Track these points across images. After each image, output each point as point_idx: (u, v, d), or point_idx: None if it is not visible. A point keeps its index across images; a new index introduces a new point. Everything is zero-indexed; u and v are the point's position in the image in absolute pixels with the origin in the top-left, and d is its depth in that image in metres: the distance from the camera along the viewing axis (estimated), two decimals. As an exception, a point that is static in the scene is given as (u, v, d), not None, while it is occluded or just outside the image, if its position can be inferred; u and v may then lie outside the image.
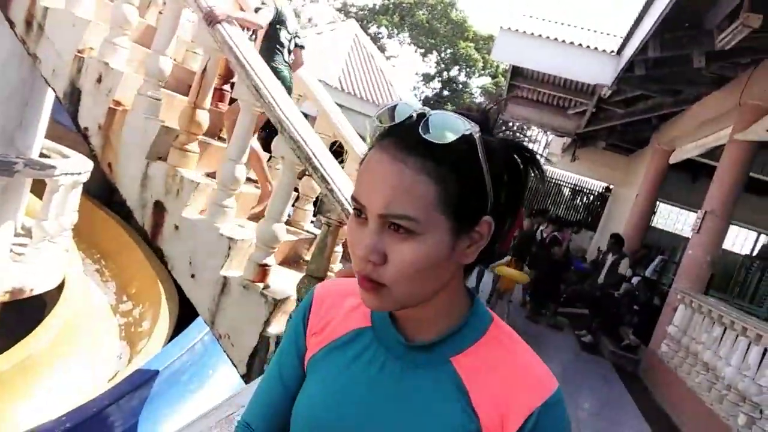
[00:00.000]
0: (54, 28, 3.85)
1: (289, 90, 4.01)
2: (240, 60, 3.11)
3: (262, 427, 0.86)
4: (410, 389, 0.75)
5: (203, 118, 3.47)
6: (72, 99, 3.71)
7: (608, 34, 10.05)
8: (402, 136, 0.68)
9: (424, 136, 0.65)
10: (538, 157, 0.75)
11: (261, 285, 3.03)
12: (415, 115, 0.68)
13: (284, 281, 3.38)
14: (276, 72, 3.69)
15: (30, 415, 4.20)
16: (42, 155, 5.15)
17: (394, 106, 0.70)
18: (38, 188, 5.04)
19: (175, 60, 4.03)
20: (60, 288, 5.40)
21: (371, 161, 0.69)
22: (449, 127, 0.66)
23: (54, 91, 3.92)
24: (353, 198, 0.71)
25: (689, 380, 5.74)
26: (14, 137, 4.62)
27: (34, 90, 4.62)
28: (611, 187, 16.76)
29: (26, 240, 4.96)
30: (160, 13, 5.03)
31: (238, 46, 3.17)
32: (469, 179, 0.68)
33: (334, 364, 0.80)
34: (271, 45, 4.04)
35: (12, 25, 4.03)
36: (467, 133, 0.66)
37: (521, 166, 0.73)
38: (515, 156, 0.72)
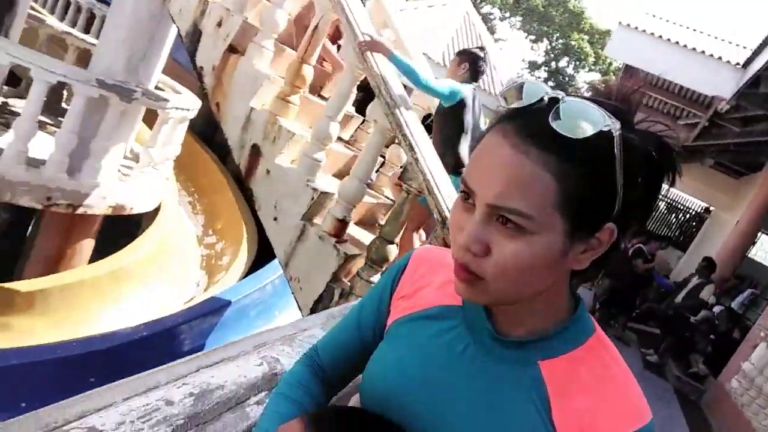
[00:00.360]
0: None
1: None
2: (350, 21, 3.21)
3: (328, 363, 0.86)
4: (488, 380, 0.70)
5: (308, 73, 3.63)
6: (193, 38, 3.99)
7: (735, 44, 9.29)
8: (527, 120, 0.60)
9: (553, 125, 0.57)
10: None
11: (335, 239, 3.19)
12: (546, 98, 0.61)
13: (357, 239, 3.53)
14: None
15: (113, 320, 4.69)
16: (157, 88, 5.58)
17: (523, 84, 0.63)
18: (149, 118, 5.47)
19: (290, 15, 4.20)
20: (156, 211, 5.89)
21: (488, 144, 0.63)
22: (586, 118, 0.58)
23: (178, 29, 4.22)
24: (463, 180, 0.65)
25: (755, 421, 5.41)
26: (138, 68, 5.03)
27: (160, 26, 4.98)
28: (711, 208, 15.66)
29: (133, 163, 5.42)
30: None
31: (351, 9, 3.27)
32: (598, 181, 0.59)
33: (416, 335, 0.77)
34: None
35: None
36: (606, 129, 0.58)
37: (661, 171, 0.63)
38: (656, 158, 0.62)
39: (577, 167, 0.58)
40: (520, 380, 0.68)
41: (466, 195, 0.64)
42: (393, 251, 3.01)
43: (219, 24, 3.88)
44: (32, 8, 6.89)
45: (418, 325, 0.77)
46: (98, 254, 5.34)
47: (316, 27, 3.60)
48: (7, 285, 4.50)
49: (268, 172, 3.49)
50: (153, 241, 5.49)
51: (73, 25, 8.37)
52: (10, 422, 0.69)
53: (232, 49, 3.83)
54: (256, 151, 3.56)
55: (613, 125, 0.58)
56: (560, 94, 0.60)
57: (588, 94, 0.65)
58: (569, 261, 0.64)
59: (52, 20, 7.55)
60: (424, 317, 0.77)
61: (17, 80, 5.85)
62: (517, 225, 0.59)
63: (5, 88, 5.06)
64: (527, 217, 0.59)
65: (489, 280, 0.62)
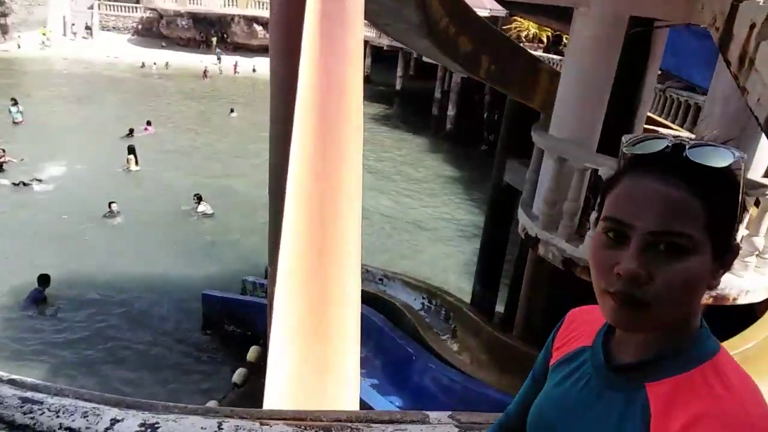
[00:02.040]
0: (764, 61, 4.18)
1: None
2: None
3: (513, 411, 1.03)
4: (604, 409, 0.77)
5: None
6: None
7: None
8: (664, 162, 0.71)
9: (699, 160, 0.69)
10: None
11: None
12: (670, 145, 0.71)
13: None
14: None
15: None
16: None
17: (648, 139, 0.74)
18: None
19: None
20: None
21: (635, 184, 0.72)
22: (716, 153, 0.69)
23: (756, 118, 4.26)
24: (609, 218, 0.74)
25: None
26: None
27: (751, 119, 5.04)
28: None
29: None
30: None
31: None
32: (730, 204, 0.70)
33: (558, 376, 0.89)
34: None
35: (728, 64, 4.65)
36: (738, 158, 0.69)
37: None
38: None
39: (715, 192, 0.69)
40: (630, 403, 0.74)
41: (613, 232, 0.72)
42: None
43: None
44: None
45: (561, 368, 0.89)
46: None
47: None
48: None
49: None
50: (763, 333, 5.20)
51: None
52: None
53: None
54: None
55: (742, 155, 0.69)
56: (683, 139, 0.72)
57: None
58: (711, 280, 0.71)
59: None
60: (565, 360, 0.90)
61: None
62: (682, 248, 0.68)
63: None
64: (688, 237, 0.67)
65: (655, 304, 0.69)
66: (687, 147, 0.70)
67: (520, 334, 7.41)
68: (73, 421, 1.39)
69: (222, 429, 1.41)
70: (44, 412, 1.40)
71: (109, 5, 39.48)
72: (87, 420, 1.40)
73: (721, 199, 0.69)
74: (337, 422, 1.48)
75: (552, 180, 6.50)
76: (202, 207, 14.02)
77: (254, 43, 37.32)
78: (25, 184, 14.74)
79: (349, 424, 1.46)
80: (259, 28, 37.30)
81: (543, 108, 8.67)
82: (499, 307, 9.62)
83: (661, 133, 0.80)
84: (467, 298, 9.98)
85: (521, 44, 20.31)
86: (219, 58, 36.34)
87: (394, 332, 7.85)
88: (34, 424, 1.38)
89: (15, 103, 20.45)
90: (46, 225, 12.61)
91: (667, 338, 0.74)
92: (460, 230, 15.03)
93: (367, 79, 34.99)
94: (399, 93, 33.74)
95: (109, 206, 13.20)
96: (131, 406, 1.48)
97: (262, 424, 1.44)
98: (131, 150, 16.94)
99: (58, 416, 1.40)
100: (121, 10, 39.42)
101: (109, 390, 7.47)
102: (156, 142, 19.94)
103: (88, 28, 38.16)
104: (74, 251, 11.55)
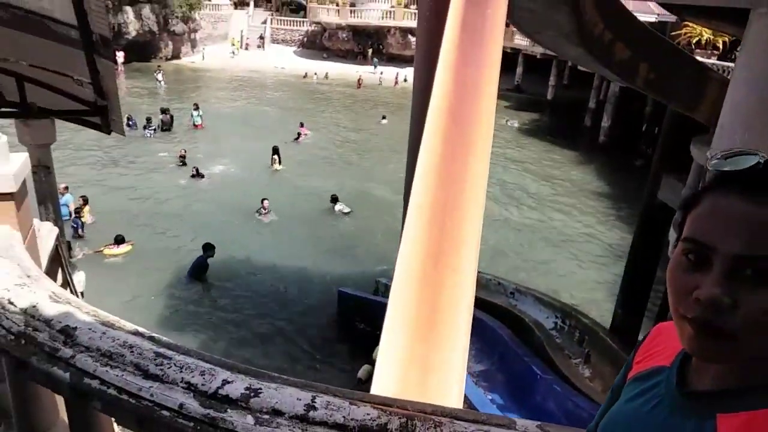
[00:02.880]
0: None
1: None
2: None
3: (593, 427, 0.96)
4: None
5: None
6: None
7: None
8: (753, 179, 0.66)
9: None
10: None
11: None
12: (762, 161, 0.67)
13: None
14: None
15: None
16: None
17: (737, 154, 0.68)
18: None
19: None
20: None
21: (719, 203, 0.67)
22: None
23: None
24: (690, 239, 0.69)
25: None
26: None
27: None
28: None
29: None
30: None
31: None
32: None
33: (632, 391, 0.85)
34: None
35: None
36: None
37: None
38: None
39: None
40: None
41: (695, 254, 0.68)
42: None
43: None
44: None
45: (635, 385, 0.86)
46: None
47: None
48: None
49: None
50: None
51: None
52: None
53: None
54: None
55: None
56: None
57: None
58: None
59: None
60: (639, 377, 0.86)
61: None
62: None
63: None
64: None
65: (742, 335, 0.63)
66: None
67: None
68: (193, 377, 1.60)
69: (315, 402, 1.52)
70: (171, 366, 1.63)
71: (280, 20, 43.34)
72: (203, 377, 1.60)
73: None
74: (421, 413, 1.51)
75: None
76: (339, 206, 14.90)
77: (407, 53, 38.47)
78: (196, 175, 16.74)
79: (433, 417, 1.49)
80: (413, 39, 38.25)
81: (709, 121, 7.85)
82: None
83: (753, 149, 0.70)
84: (606, 323, 9.33)
85: (692, 51, 18.48)
86: (375, 67, 38.12)
87: (519, 348, 7.60)
88: (162, 375, 1.61)
89: (196, 108, 23.31)
90: (209, 212, 14.31)
91: (751, 369, 0.68)
92: (605, 249, 14.06)
93: (517, 89, 34.83)
94: (550, 103, 32.54)
95: (262, 202, 14.46)
96: (242, 371, 1.65)
97: (351, 403, 1.52)
98: (275, 150, 18.47)
99: (181, 371, 1.62)
100: (290, 24, 43.04)
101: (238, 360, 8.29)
102: (310, 144, 21.54)
103: (261, 37, 42.21)
104: (228, 237, 12.87)
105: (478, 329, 8.72)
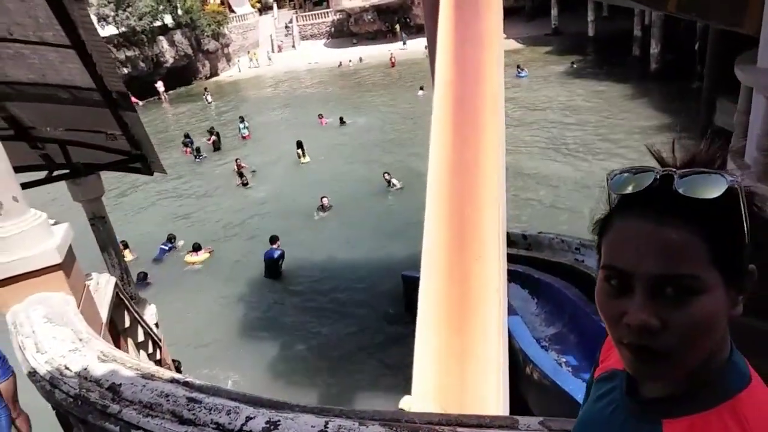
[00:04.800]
0: None
1: None
2: None
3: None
4: None
5: None
6: None
7: None
8: (656, 198, 0.66)
9: (690, 194, 0.63)
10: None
11: None
12: (659, 176, 0.66)
13: None
14: None
15: None
16: None
17: (634, 173, 0.68)
18: None
19: None
20: None
21: (627, 228, 0.68)
22: (709, 182, 0.63)
23: None
24: (609, 267, 0.69)
25: None
26: None
27: None
28: None
29: None
30: None
31: None
32: (733, 230, 0.64)
33: (598, 391, 0.87)
34: None
35: None
36: (732, 185, 0.63)
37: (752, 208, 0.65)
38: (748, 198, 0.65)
39: (715, 223, 0.64)
40: None
41: (616, 281, 0.68)
42: None
43: None
44: None
45: (601, 385, 0.87)
46: None
47: None
48: None
49: None
50: None
51: None
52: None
53: None
54: None
55: (735, 179, 0.64)
56: (670, 170, 0.66)
57: (678, 160, 0.69)
58: (731, 310, 0.67)
59: None
60: (600, 379, 0.88)
61: None
62: (690, 289, 0.63)
63: None
64: (695, 278, 0.63)
65: (673, 353, 0.65)
66: (676, 178, 0.65)
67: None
68: (220, 417, 1.76)
69: (328, 427, 1.64)
70: (201, 410, 1.80)
71: (305, 16, 43.54)
72: (229, 417, 1.75)
73: (722, 229, 0.64)
74: (428, 425, 1.59)
75: (765, 122, 5.49)
76: (392, 182, 15.25)
77: (436, 20, 37.62)
78: (245, 184, 17.62)
79: (437, 428, 1.57)
80: (439, 4, 37.46)
81: (759, 32, 7.27)
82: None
83: (647, 166, 0.69)
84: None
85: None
86: (405, 42, 37.62)
87: (588, 306, 7.43)
88: (195, 419, 1.78)
89: (242, 120, 24.02)
90: (270, 217, 14.97)
91: (693, 373, 0.69)
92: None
93: (555, 31, 33.25)
94: (592, 39, 30.93)
95: (321, 200, 14.82)
96: (264, 404, 1.80)
97: (360, 424, 1.63)
98: (299, 144, 19.09)
99: (210, 413, 1.79)
100: (315, 18, 43.17)
101: (312, 359, 9.05)
102: (352, 130, 21.89)
103: (288, 34, 42.53)
104: (292, 238, 13.36)
105: (546, 292, 8.62)
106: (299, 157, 19.11)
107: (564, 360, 6.70)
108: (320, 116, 23.54)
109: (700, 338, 0.64)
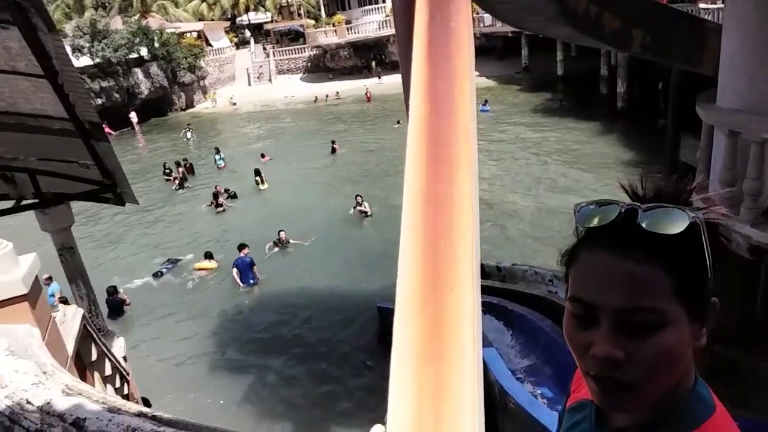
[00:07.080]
0: None
1: None
2: None
3: None
4: None
5: None
6: None
7: None
8: (620, 232, 0.67)
9: (653, 229, 0.65)
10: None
11: None
12: (623, 210, 0.68)
13: None
14: None
15: None
16: None
17: (600, 206, 0.70)
18: None
19: None
20: None
21: (592, 261, 0.69)
22: (671, 217, 0.65)
23: None
24: (575, 299, 0.70)
25: None
26: None
27: None
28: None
29: None
30: None
31: None
32: (695, 263, 0.66)
33: (567, 422, 0.89)
34: None
35: None
36: (694, 221, 0.65)
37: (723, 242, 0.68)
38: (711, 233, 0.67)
39: (678, 257, 0.65)
40: None
41: (583, 314, 0.69)
42: None
43: None
44: None
45: (572, 415, 0.89)
46: None
47: None
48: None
49: None
50: None
51: None
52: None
53: None
54: None
55: (698, 215, 0.66)
56: (635, 204, 0.68)
57: (641, 194, 0.72)
58: (694, 342, 0.68)
59: None
60: (572, 409, 0.90)
61: None
62: (653, 323, 0.64)
63: None
64: (658, 312, 0.64)
65: (637, 384, 0.66)
66: (640, 212, 0.66)
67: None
68: (189, 452, 1.72)
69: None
70: (169, 445, 1.76)
71: (281, 51, 44.07)
72: (198, 452, 1.71)
73: (685, 263, 0.66)
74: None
75: (726, 157, 5.72)
76: (365, 206, 15.47)
77: (410, 57, 38.43)
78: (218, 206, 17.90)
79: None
80: (413, 42, 38.34)
81: (716, 73, 7.64)
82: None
83: (612, 199, 0.71)
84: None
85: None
86: (380, 77, 38.27)
87: (562, 338, 7.46)
88: (162, 454, 1.73)
89: (218, 151, 23.99)
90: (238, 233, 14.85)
91: (658, 403, 0.71)
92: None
93: (526, 70, 34.27)
94: (561, 78, 31.99)
95: (278, 234, 14.36)
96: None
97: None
98: (257, 173, 19.82)
99: (178, 448, 1.74)
100: (292, 53, 43.69)
101: (285, 392, 8.91)
102: (340, 161, 22.04)
103: (264, 68, 42.88)
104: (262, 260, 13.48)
105: (520, 324, 8.65)
106: (257, 184, 19.64)
107: (539, 392, 6.69)
108: (262, 155, 23.61)
109: (665, 370, 0.66)
